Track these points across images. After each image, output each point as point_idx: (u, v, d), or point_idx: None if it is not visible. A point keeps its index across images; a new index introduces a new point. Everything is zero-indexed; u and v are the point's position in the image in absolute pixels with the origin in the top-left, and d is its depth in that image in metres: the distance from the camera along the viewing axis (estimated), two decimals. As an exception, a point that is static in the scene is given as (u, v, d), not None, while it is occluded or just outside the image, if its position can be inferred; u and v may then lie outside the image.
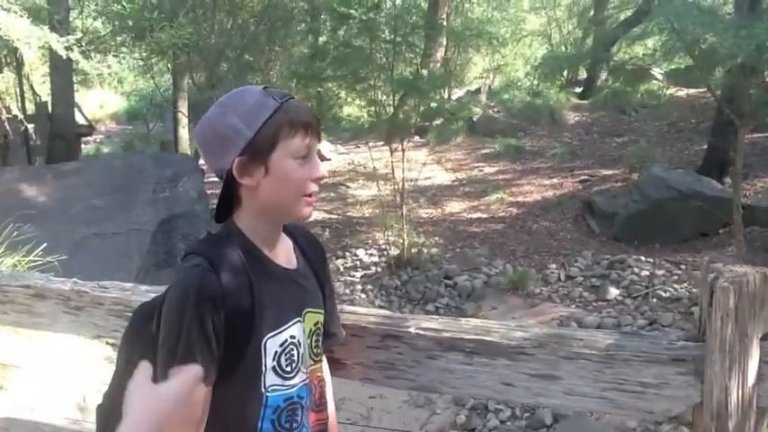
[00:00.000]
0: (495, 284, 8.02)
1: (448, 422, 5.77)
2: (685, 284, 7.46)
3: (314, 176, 1.31)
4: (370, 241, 9.27)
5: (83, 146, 14.33)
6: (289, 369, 1.31)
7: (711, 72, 6.03)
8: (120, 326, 1.76)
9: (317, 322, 1.42)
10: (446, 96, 13.45)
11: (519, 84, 14.19)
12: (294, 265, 1.40)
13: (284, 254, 1.40)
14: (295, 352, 1.33)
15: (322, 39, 8.67)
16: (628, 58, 11.19)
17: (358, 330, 1.57)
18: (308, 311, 1.38)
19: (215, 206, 1.39)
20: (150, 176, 7.86)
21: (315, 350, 1.41)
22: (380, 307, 7.78)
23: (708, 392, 1.35)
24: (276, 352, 1.29)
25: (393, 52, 7.71)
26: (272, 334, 1.28)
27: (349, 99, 8.79)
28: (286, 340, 1.31)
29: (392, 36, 7.69)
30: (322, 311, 1.44)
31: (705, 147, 10.55)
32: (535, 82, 13.52)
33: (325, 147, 12.52)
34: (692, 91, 13.43)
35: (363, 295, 7.99)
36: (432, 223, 9.94)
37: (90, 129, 14.07)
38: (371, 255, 8.93)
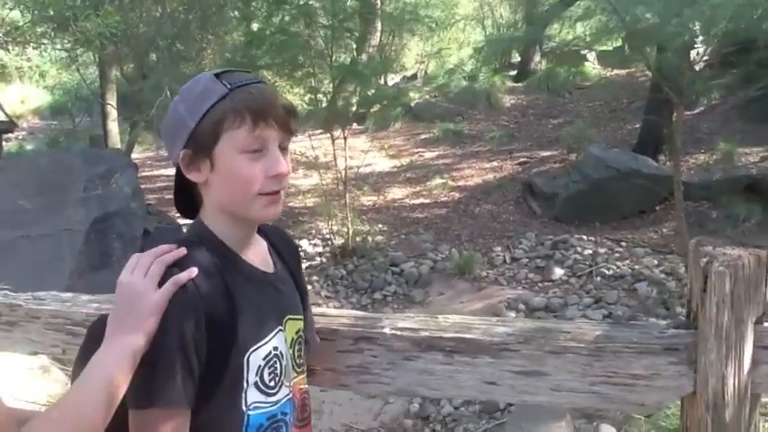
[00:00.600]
0: (442, 270, 8.01)
1: (401, 411, 5.71)
2: (627, 261, 7.61)
3: (269, 174, 1.15)
4: (313, 231, 9.12)
5: (4, 143, 13.61)
6: (272, 384, 1.18)
7: (648, 52, 6.10)
8: (61, 340, 1.60)
9: (299, 330, 1.29)
10: (382, 82, 13.31)
11: (462, 67, 14.20)
12: (271, 268, 1.27)
13: (259, 256, 1.26)
14: (278, 365, 1.20)
15: (255, 26, 8.39)
16: (570, 39, 11.27)
17: (328, 333, 1.45)
18: (288, 318, 1.26)
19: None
20: (80, 174, 7.46)
21: (297, 360, 1.28)
22: (327, 297, 7.67)
23: (702, 382, 1.29)
24: (259, 366, 1.16)
25: (332, 38, 7.52)
26: (255, 347, 1.15)
27: (287, 87, 8.56)
28: (270, 353, 1.18)
29: (330, 21, 7.49)
30: (302, 318, 1.31)
31: (638, 126, 10.78)
32: (474, 66, 13.53)
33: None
34: (622, 72, 13.71)
35: (309, 287, 7.84)
36: (375, 210, 9.86)
37: (11, 125, 13.33)
38: (315, 245, 8.78)
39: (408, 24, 10.26)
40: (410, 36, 12.18)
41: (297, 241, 8.79)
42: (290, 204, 10.07)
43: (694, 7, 4.46)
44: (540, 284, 7.57)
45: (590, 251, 7.90)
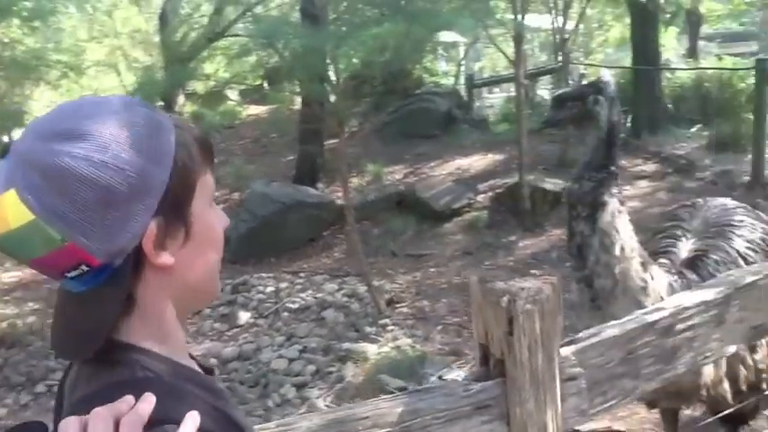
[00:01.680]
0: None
1: None
2: (310, 291, 7.65)
3: (226, 226, 0.88)
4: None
5: None
6: None
7: (304, 84, 6.25)
8: None
9: None
10: (6, 139, 11.65)
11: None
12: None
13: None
14: None
15: None
16: (229, 78, 11.14)
17: None
18: None
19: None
20: None
21: None
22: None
23: (519, 435, 1.12)
24: None
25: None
26: None
27: None
28: None
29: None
30: None
31: (292, 158, 11.12)
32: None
33: None
34: (267, 107, 14.09)
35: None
36: (22, 287, 8.47)
37: None
38: (-52, 343, 7.16)
39: (36, 72, 9.06)
40: (36, 84, 10.86)
41: None
42: None
43: (358, 38, 4.63)
44: (228, 333, 7.21)
45: (272, 288, 7.80)
